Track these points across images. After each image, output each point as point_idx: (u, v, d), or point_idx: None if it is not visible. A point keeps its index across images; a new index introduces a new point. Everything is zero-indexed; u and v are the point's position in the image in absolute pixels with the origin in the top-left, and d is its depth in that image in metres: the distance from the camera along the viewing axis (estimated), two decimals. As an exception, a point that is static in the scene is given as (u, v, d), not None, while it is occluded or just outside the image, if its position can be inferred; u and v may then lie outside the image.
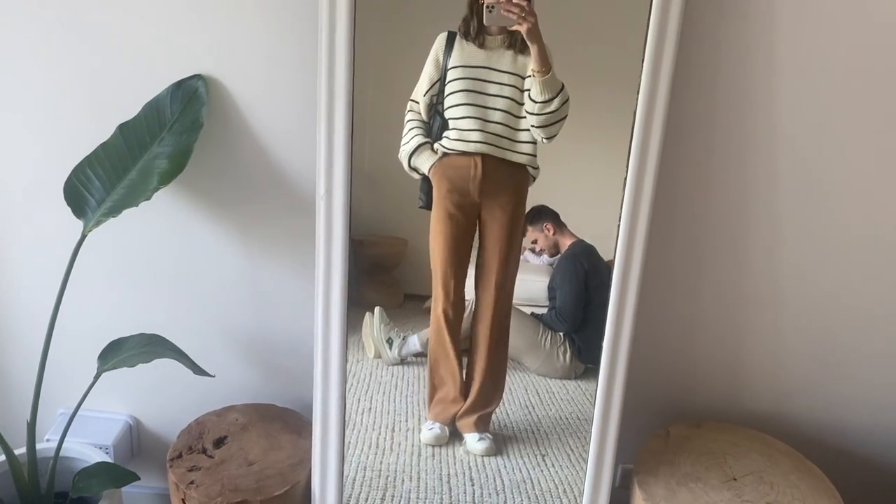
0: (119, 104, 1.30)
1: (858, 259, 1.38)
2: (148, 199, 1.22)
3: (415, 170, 1.25)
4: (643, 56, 1.15)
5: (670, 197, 1.34)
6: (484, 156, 1.23)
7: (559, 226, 1.32)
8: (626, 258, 1.23)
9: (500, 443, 1.37)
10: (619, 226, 1.22)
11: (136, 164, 1.26)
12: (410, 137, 1.24)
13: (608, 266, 1.30)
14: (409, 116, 1.25)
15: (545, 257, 1.34)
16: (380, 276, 1.32)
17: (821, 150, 1.30)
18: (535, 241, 1.32)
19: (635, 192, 1.21)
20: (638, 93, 1.16)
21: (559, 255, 1.34)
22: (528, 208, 1.29)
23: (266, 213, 1.39)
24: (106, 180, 1.26)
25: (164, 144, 1.27)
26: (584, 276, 1.35)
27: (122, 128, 1.28)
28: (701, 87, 1.27)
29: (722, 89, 1.27)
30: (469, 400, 1.35)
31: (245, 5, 1.25)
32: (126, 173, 1.26)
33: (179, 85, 1.28)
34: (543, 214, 1.31)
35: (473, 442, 1.36)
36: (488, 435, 1.36)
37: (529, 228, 1.31)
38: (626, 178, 1.20)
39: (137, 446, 1.61)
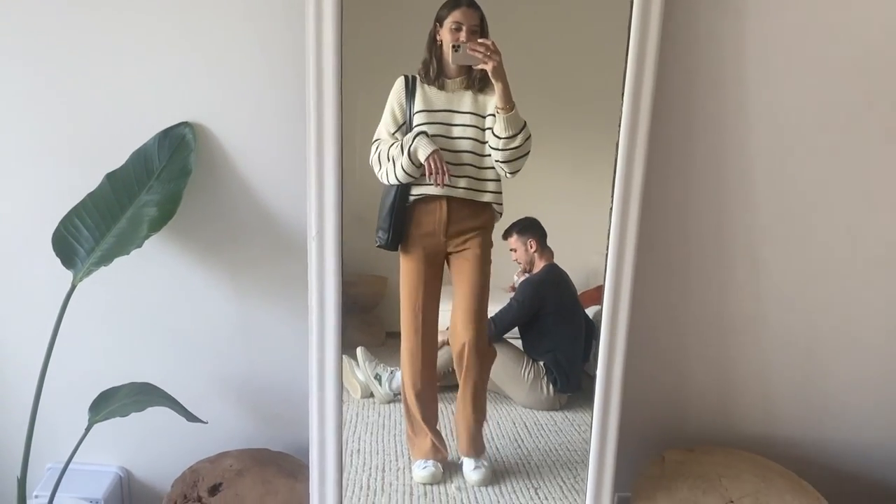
0: (106, 153, 1.30)
1: (839, 277, 1.42)
2: (139, 246, 1.22)
3: (411, 156, 1.21)
4: (622, 92, 1.18)
5: (654, 223, 1.36)
6: (448, 197, 1.25)
7: (543, 246, 1.32)
8: (614, 289, 1.25)
9: (495, 474, 1.36)
10: (606, 256, 1.24)
11: (126, 213, 1.27)
12: (397, 147, 1.22)
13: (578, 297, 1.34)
14: (378, 144, 1.24)
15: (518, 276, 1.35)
16: (361, 315, 1.32)
17: (798, 174, 1.34)
18: (513, 250, 1.32)
19: (621, 223, 1.23)
20: (619, 130, 1.20)
21: (527, 277, 1.35)
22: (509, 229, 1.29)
23: (256, 257, 1.39)
24: (95, 230, 1.26)
25: (152, 192, 1.27)
26: (537, 306, 1.36)
27: (110, 177, 1.29)
28: (677, 115, 1.30)
29: (698, 115, 1.31)
30: (461, 430, 1.35)
31: (231, 51, 1.26)
32: (115, 222, 1.26)
33: (167, 132, 1.29)
34: (532, 229, 1.30)
35: (469, 470, 1.35)
36: (484, 462, 1.35)
37: (515, 236, 1.30)
38: (611, 209, 1.22)
39: (129, 499, 1.58)
